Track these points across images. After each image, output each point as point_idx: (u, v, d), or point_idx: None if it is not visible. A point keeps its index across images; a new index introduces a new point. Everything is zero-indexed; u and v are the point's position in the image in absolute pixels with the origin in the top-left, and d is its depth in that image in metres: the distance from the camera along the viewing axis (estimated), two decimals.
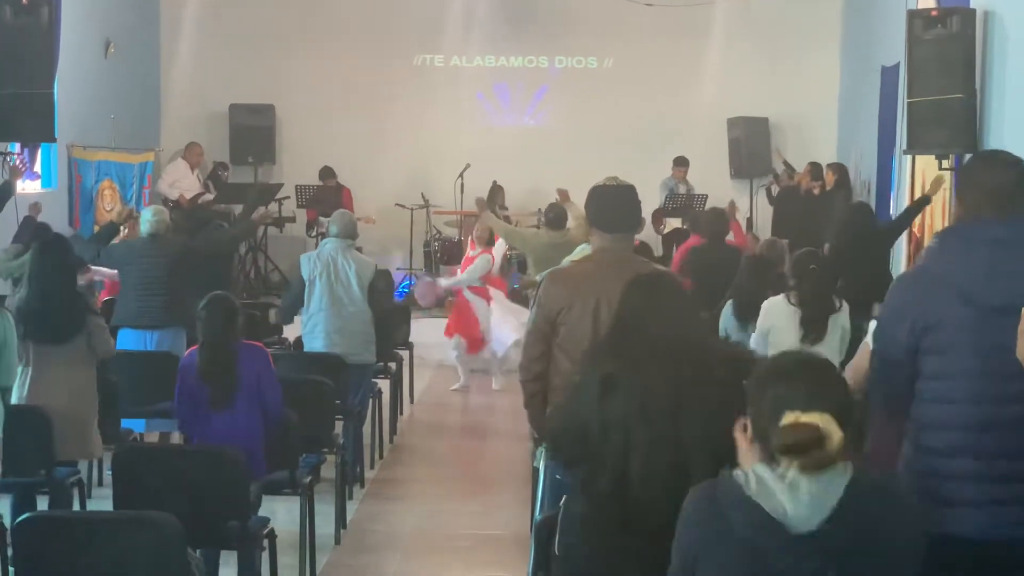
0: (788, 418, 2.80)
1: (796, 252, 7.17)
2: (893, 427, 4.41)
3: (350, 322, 8.39)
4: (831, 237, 10.69)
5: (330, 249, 8.46)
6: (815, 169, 14.33)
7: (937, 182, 9.78)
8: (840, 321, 6.83)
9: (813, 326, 6.71)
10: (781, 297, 6.85)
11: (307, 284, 8.39)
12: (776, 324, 6.80)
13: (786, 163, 15.82)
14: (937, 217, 10.52)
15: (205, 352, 6.17)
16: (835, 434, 2.78)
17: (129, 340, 8.49)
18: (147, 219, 8.78)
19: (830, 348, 6.65)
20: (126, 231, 10.10)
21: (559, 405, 3.89)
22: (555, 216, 10.65)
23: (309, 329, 8.44)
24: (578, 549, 3.82)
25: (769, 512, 2.79)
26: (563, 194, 10.86)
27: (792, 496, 2.79)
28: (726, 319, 7.41)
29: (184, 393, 6.23)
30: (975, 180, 3.82)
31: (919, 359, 3.71)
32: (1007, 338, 3.54)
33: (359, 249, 9.10)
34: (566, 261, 8.58)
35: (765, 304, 6.94)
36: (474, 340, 11.59)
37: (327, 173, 16.06)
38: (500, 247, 11.78)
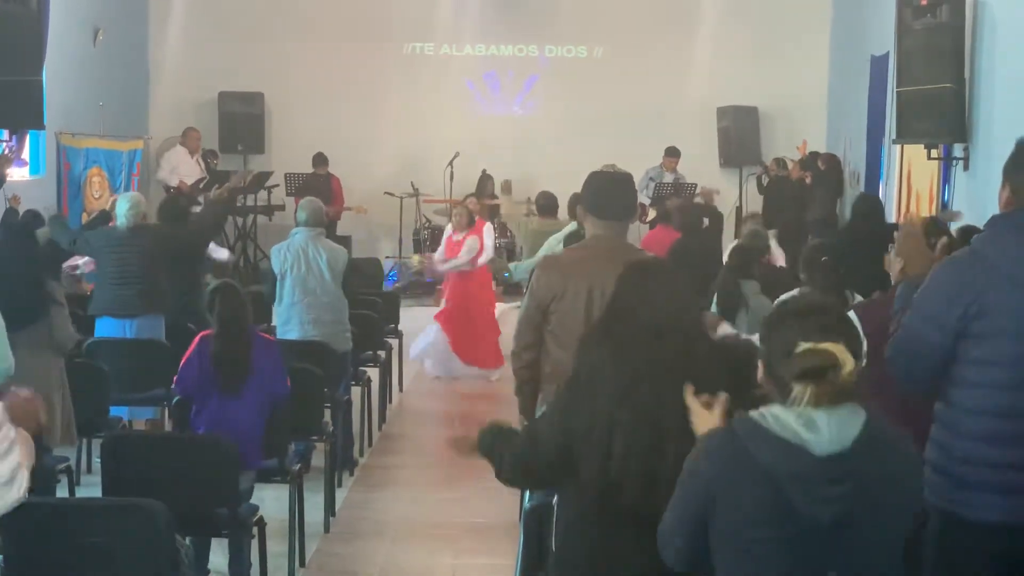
0: (803, 347, 2.85)
1: (806, 245, 7.07)
2: (900, 413, 4.42)
3: (324, 312, 8.36)
4: (828, 229, 10.67)
5: (300, 240, 8.42)
6: (807, 158, 14.34)
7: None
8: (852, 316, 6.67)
9: None
10: (795, 292, 6.71)
11: (278, 277, 8.37)
12: None
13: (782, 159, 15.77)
14: (924, 209, 10.54)
15: (220, 338, 6.19)
16: (849, 361, 2.82)
17: (107, 328, 8.47)
18: (123, 211, 8.69)
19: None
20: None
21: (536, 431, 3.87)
22: (545, 203, 10.65)
23: (284, 321, 8.41)
24: (576, 547, 3.82)
25: (791, 440, 2.84)
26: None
27: (809, 427, 2.83)
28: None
29: (193, 377, 6.24)
30: None
31: (963, 344, 3.69)
32: None
33: (348, 238, 9.08)
34: (547, 246, 8.62)
35: (778, 302, 6.82)
36: (464, 331, 11.51)
37: (320, 160, 16.03)
38: (489, 235, 11.76)
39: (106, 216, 9.66)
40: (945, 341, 3.71)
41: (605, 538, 3.68)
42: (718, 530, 2.94)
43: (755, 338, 3.18)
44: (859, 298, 6.67)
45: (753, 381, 3.05)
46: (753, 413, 2.93)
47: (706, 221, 10.95)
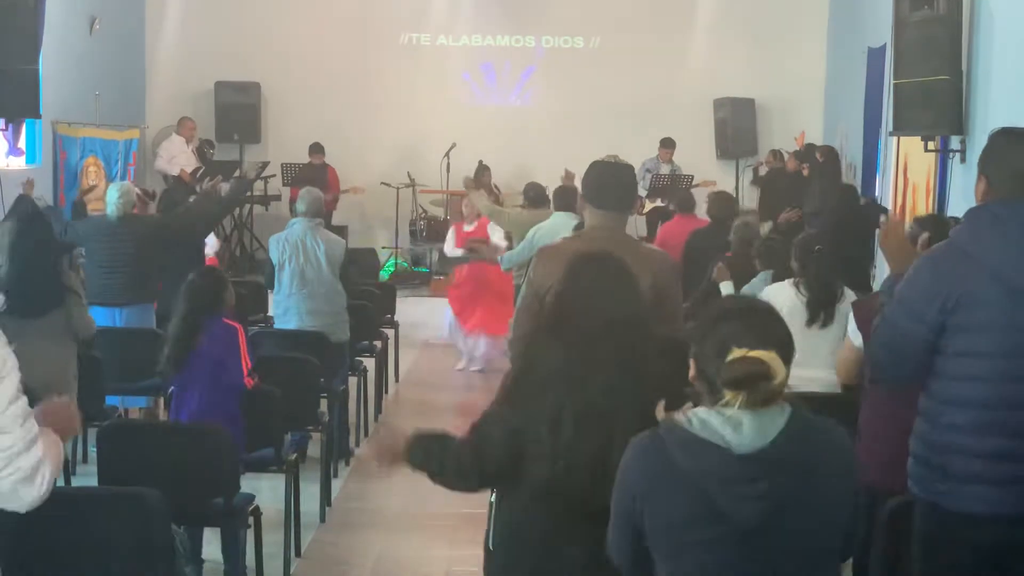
0: (735, 353, 2.82)
1: (799, 236, 7.06)
2: (889, 404, 4.43)
3: (322, 303, 8.37)
4: (819, 220, 10.68)
5: (299, 230, 8.42)
6: (805, 150, 14.33)
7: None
8: (844, 309, 6.47)
9: (820, 311, 6.48)
10: (786, 283, 6.71)
11: (276, 268, 8.37)
12: (780, 309, 6.66)
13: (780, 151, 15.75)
14: (920, 201, 10.54)
15: (174, 320, 6.26)
16: (780, 370, 2.80)
17: (96, 317, 8.41)
18: (113, 200, 8.66)
19: (834, 336, 6.44)
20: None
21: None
22: (535, 194, 10.62)
23: (282, 311, 8.42)
24: (521, 544, 3.82)
25: (712, 441, 2.82)
26: (570, 176, 10.72)
27: (734, 429, 2.81)
28: None
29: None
30: (1001, 160, 3.80)
31: (944, 336, 3.71)
32: None
33: (344, 228, 9.06)
34: (533, 233, 8.57)
35: (768, 289, 6.83)
36: (476, 309, 11.45)
37: (316, 148, 16.00)
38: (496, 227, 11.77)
39: (82, 206, 9.65)
40: (926, 334, 3.73)
41: (550, 534, 3.69)
42: (651, 536, 2.93)
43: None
44: (849, 293, 6.65)
45: (685, 376, 3.04)
46: (678, 416, 2.91)
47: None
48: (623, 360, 3.60)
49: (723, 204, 10.12)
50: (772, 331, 2.90)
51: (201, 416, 6.06)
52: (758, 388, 2.79)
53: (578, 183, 9.32)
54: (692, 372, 2.98)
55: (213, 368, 6.19)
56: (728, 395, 2.82)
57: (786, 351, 2.87)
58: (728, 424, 2.81)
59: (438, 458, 3.82)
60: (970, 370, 3.68)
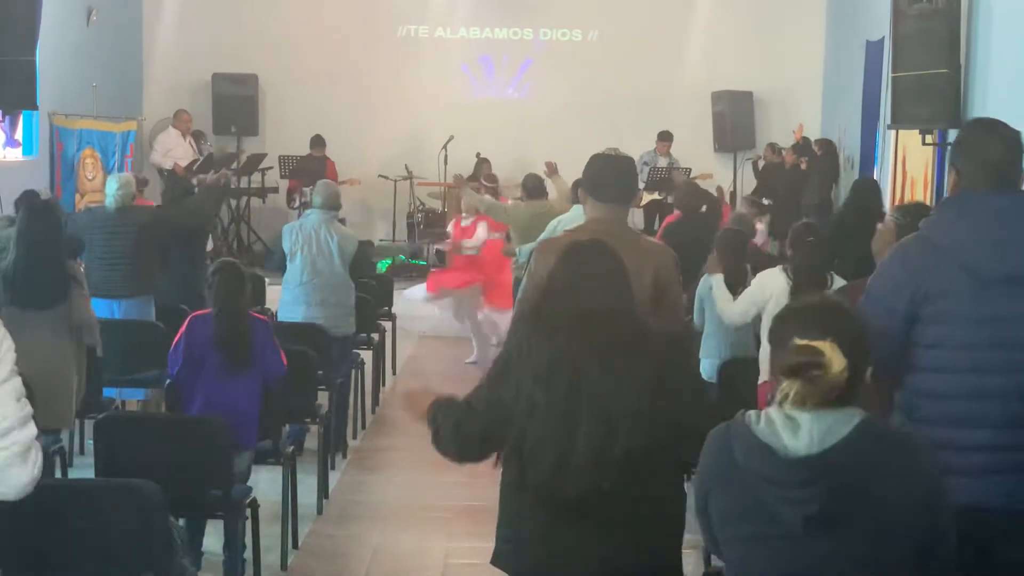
0: (796, 343, 2.84)
1: (794, 224, 7.07)
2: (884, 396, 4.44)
3: (331, 295, 8.38)
4: (834, 213, 10.64)
5: (313, 221, 8.43)
6: (802, 144, 14.33)
7: None
8: None
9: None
10: (777, 269, 6.74)
11: (288, 256, 8.37)
12: (768, 296, 6.70)
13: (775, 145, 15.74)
14: (919, 195, 10.54)
15: (221, 318, 6.16)
16: (837, 361, 2.79)
17: (96, 309, 8.43)
18: (112, 192, 8.64)
19: None
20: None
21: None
22: (533, 186, 10.60)
23: (290, 300, 8.43)
24: (503, 520, 3.89)
25: (766, 442, 2.83)
26: (551, 166, 10.71)
27: (792, 431, 2.81)
28: (703, 291, 7.34)
29: (187, 358, 6.21)
30: (971, 152, 3.80)
31: (916, 328, 3.72)
32: (1008, 308, 3.59)
33: (342, 220, 9.06)
34: (555, 224, 8.57)
35: (759, 276, 6.86)
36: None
37: (317, 141, 15.97)
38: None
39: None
40: (897, 326, 3.74)
41: (521, 517, 3.75)
42: (714, 524, 2.99)
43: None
44: (840, 281, 6.65)
45: (684, 368, 3.04)
46: (751, 413, 2.93)
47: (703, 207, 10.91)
48: (597, 351, 3.60)
49: (692, 195, 10.04)
50: (833, 323, 2.89)
51: (242, 409, 6.04)
52: (812, 377, 2.79)
53: (567, 175, 9.36)
54: (769, 372, 3.01)
55: (256, 361, 6.19)
56: (784, 384, 2.82)
57: (851, 346, 2.85)
58: (788, 426, 2.82)
59: (438, 421, 3.82)
60: (941, 362, 3.69)
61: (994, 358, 3.62)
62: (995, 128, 3.94)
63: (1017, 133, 3.83)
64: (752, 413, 2.92)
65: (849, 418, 2.83)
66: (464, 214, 11.56)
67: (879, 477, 2.82)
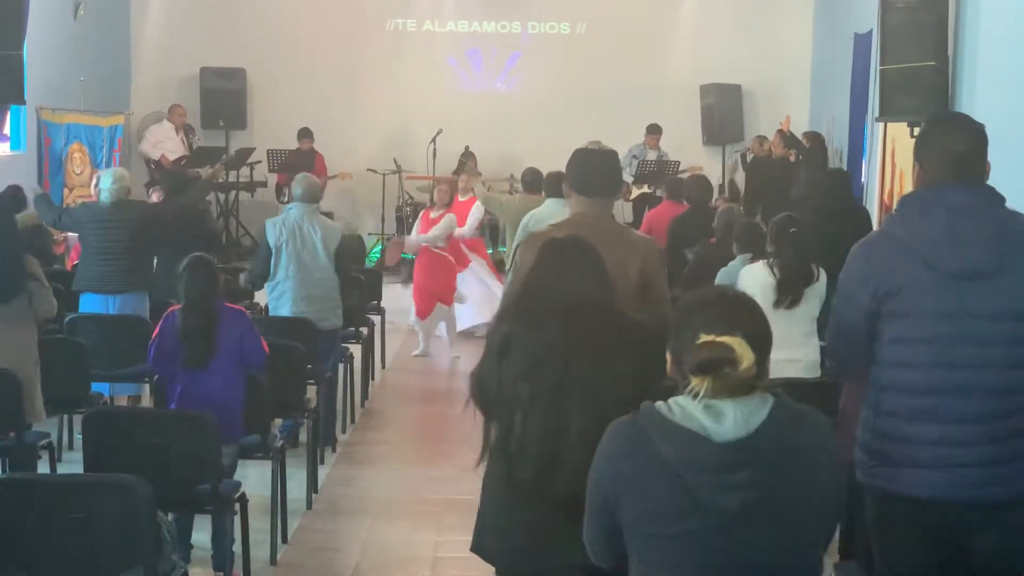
0: (703, 339, 2.81)
1: (775, 217, 7.06)
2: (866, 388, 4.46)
3: (317, 288, 8.35)
4: (809, 204, 10.63)
5: (295, 215, 8.40)
6: (789, 136, 14.32)
7: None
8: (818, 289, 6.63)
9: (788, 292, 6.51)
10: (760, 264, 6.73)
11: (273, 251, 8.34)
12: (752, 289, 6.69)
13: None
14: (907, 187, 10.56)
15: (186, 312, 6.18)
16: (747, 356, 2.78)
17: (91, 304, 8.45)
18: (106, 186, 8.62)
19: (804, 315, 6.55)
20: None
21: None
22: (531, 180, 10.63)
23: (276, 296, 8.41)
24: (484, 510, 3.93)
25: (694, 430, 2.80)
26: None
27: (716, 418, 2.79)
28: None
29: (162, 352, 6.22)
30: (934, 146, 3.81)
31: (880, 323, 3.73)
32: (969, 303, 3.60)
33: (330, 214, 9.05)
34: (527, 220, 8.58)
35: (744, 270, 6.85)
36: (427, 298, 11.49)
37: (304, 133, 15.92)
38: (477, 212, 11.77)
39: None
40: (861, 321, 3.76)
41: (509, 510, 3.77)
42: (626, 525, 2.90)
43: None
44: (824, 275, 6.63)
45: (664, 363, 3.04)
46: (659, 404, 2.88)
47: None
48: (582, 346, 3.61)
49: (703, 188, 10.10)
50: (741, 318, 2.87)
51: (221, 401, 6.03)
52: (723, 374, 2.77)
53: (558, 168, 9.35)
54: (668, 363, 2.96)
55: (232, 352, 6.20)
56: (695, 381, 2.80)
57: (757, 338, 2.84)
58: (709, 413, 2.80)
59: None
60: (904, 356, 3.71)
61: (962, 353, 3.64)
62: (956, 121, 3.98)
63: (981, 126, 3.83)
64: (661, 405, 2.87)
65: (764, 401, 2.84)
66: (435, 207, 11.60)
67: (802, 454, 2.84)
